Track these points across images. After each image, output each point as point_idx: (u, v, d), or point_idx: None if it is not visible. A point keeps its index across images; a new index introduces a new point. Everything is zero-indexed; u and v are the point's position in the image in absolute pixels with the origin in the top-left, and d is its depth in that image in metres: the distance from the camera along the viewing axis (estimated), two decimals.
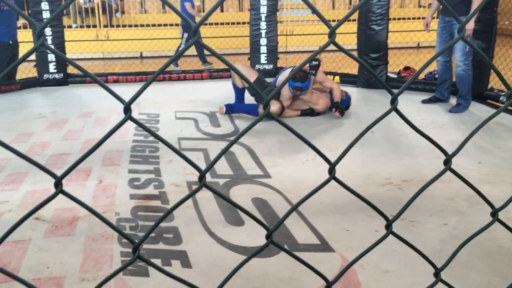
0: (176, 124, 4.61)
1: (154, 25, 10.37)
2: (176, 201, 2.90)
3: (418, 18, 10.50)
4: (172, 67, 7.75)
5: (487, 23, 5.11)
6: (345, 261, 2.27)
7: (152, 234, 2.52)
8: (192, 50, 8.35)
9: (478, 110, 5.04)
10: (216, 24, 10.39)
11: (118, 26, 10.27)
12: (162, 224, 2.63)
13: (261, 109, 4.69)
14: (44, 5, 6.15)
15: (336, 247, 2.39)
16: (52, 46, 6.09)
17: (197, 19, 8.12)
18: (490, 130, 4.30)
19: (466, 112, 4.96)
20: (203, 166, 3.48)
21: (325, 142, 4.08)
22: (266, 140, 4.09)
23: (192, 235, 2.50)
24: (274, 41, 6.82)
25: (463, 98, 4.99)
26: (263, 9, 6.66)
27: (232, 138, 4.10)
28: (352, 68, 6.73)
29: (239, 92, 4.95)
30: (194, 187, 3.11)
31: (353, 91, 5.74)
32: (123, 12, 10.95)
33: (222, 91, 6.00)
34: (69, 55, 6.65)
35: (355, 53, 6.37)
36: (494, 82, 5.43)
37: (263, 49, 6.80)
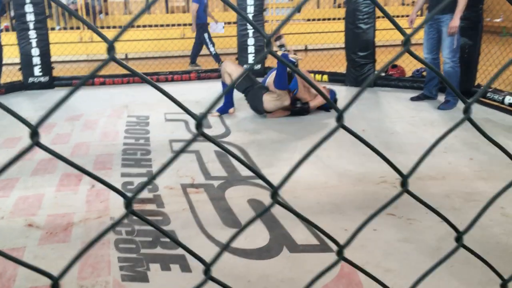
0: (166, 126, 4.57)
1: (139, 26, 10.29)
2: (171, 204, 2.88)
3: (402, 16, 10.57)
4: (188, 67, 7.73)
5: (473, 20, 5.16)
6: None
7: (149, 239, 2.49)
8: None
9: None
10: None
11: (102, 27, 10.16)
12: None
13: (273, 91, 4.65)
14: (28, 8, 6.05)
15: (335, 248, 2.38)
16: (38, 50, 6.00)
17: (209, 20, 8.06)
18: (479, 126, 4.33)
19: (455, 109, 5.00)
20: (197, 168, 3.46)
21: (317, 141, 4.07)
22: (257, 140, 4.07)
23: (190, 239, 2.47)
24: (262, 41, 6.80)
25: (451, 95, 5.03)
26: (250, 9, 6.65)
27: (225, 139, 4.09)
28: (340, 66, 6.75)
29: (230, 92, 4.92)
30: (189, 189, 3.10)
31: (342, 90, 5.75)
32: (107, 14, 10.84)
33: (210, 92, 5.97)
34: (53, 57, 6.54)
35: (343, 51, 6.39)
36: (481, 79, 5.49)
37: (251, 49, 6.79)
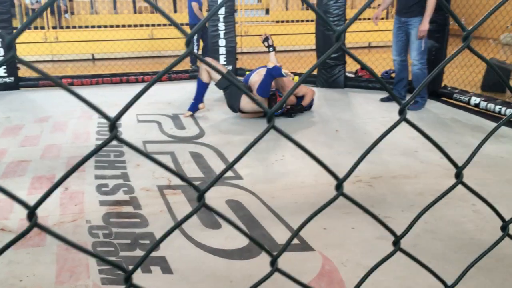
0: (139, 128, 4.51)
1: (105, 26, 10.12)
2: (149, 206, 2.85)
3: (369, 19, 10.76)
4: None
5: (440, 24, 5.31)
6: (326, 259, 2.29)
7: (128, 241, 2.46)
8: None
9: (434, 107, 5.22)
10: (170, 25, 10.26)
11: (67, 27, 9.94)
12: (138, 230, 2.56)
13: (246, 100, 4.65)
14: None
15: (316, 246, 2.41)
16: (2, 50, 5.82)
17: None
18: (447, 126, 4.47)
19: (423, 109, 5.13)
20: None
21: (297, 140, 4.09)
22: (233, 141, 4.07)
23: (170, 240, 2.45)
24: (233, 42, 6.80)
25: (420, 96, 5.16)
26: (221, 10, 6.63)
27: (200, 140, 4.07)
28: None
29: (202, 88, 4.86)
30: (166, 191, 3.07)
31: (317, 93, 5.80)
32: (72, 13, 10.61)
33: (182, 93, 5.93)
34: None
35: (310, 53, 6.46)
36: (447, 80, 5.65)
37: (222, 50, 6.77)
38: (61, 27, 9.87)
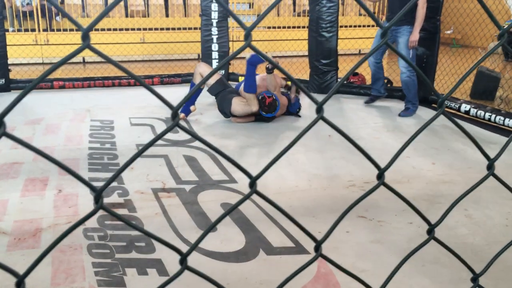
0: (132, 131, 4.50)
1: (96, 30, 10.07)
2: (143, 209, 2.85)
3: (359, 26, 10.86)
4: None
5: (431, 32, 5.38)
6: (322, 262, 2.30)
7: (123, 243, 2.46)
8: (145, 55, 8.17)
9: (425, 114, 5.28)
10: (162, 29, 10.24)
11: (58, 30, 9.88)
12: (133, 233, 2.56)
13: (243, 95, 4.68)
14: None
15: (311, 249, 2.42)
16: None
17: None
18: (438, 133, 4.52)
19: (414, 116, 5.18)
20: (167, 172, 3.43)
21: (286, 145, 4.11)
22: (226, 145, 4.08)
23: None
24: (226, 47, 6.82)
25: (411, 102, 5.22)
26: (214, 15, 6.65)
27: (192, 144, 4.07)
28: (304, 74, 6.86)
29: (196, 92, 4.89)
30: (160, 194, 3.07)
31: (305, 96, 5.84)
32: (63, 16, 10.57)
33: (174, 97, 5.91)
34: (9, 60, 6.31)
35: (306, 59, 6.50)
36: (438, 87, 5.72)
37: (215, 55, 6.79)
38: (52, 30, 9.81)
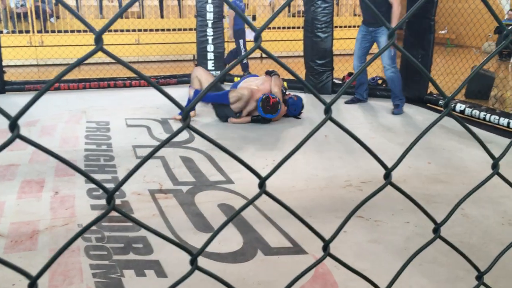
0: (128, 132, 4.49)
1: (92, 31, 10.05)
2: (141, 210, 2.84)
3: (354, 26, 10.89)
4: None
5: (425, 31, 5.41)
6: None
7: (121, 245, 2.45)
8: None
9: (420, 113, 5.31)
10: (157, 30, 10.24)
11: (53, 31, 9.86)
12: (130, 234, 2.56)
13: (233, 93, 4.68)
14: None
15: (309, 249, 2.43)
16: None
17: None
18: (433, 132, 4.53)
19: (409, 115, 5.21)
20: (163, 174, 3.42)
21: (286, 146, 4.12)
22: (224, 146, 4.07)
23: (163, 244, 2.45)
24: (221, 48, 6.83)
25: (398, 98, 5.29)
26: (210, 16, 6.66)
27: (189, 145, 4.07)
28: (299, 74, 6.86)
29: (195, 95, 4.89)
30: (157, 195, 3.07)
31: (301, 97, 5.84)
32: (58, 17, 10.53)
33: None
34: (3, 62, 6.28)
35: (301, 60, 6.51)
36: (433, 87, 5.73)
37: (210, 56, 6.79)
38: (47, 31, 9.79)
